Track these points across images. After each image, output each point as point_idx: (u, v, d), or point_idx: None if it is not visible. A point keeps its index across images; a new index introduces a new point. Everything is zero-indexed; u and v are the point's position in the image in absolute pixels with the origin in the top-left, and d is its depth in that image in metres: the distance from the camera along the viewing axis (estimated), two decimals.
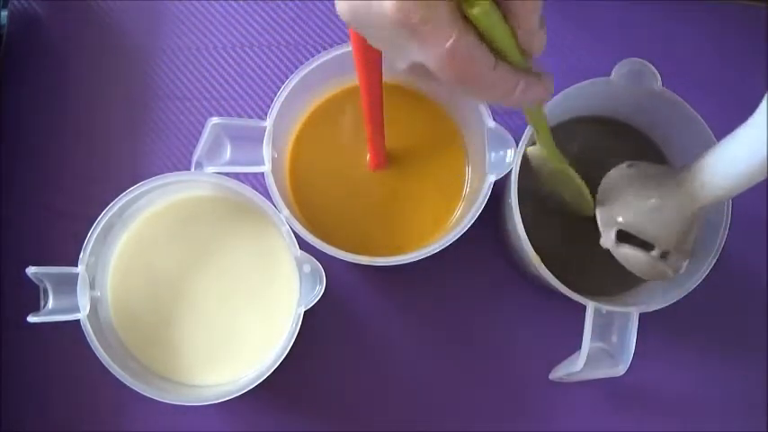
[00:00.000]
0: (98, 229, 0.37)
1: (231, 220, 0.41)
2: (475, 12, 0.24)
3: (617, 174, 0.37)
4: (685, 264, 0.36)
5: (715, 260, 0.38)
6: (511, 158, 0.38)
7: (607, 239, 0.36)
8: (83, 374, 0.43)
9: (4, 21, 0.46)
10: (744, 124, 0.30)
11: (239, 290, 0.41)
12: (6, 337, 0.44)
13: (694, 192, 0.33)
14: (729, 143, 0.31)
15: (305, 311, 0.37)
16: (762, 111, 0.29)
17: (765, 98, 0.28)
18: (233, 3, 0.48)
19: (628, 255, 0.36)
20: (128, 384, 0.36)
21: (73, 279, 0.37)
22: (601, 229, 0.36)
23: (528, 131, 0.38)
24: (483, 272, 0.45)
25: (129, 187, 0.38)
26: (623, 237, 0.36)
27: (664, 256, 0.35)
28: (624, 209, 0.36)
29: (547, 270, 0.37)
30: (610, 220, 0.36)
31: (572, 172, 0.37)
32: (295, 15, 0.48)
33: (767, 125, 0.28)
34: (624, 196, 0.36)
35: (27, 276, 0.36)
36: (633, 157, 0.38)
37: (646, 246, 0.35)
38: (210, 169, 0.38)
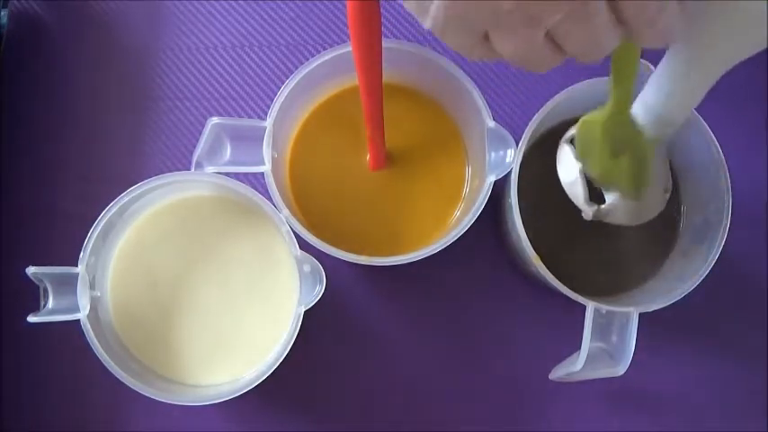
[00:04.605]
0: (98, 229, 0.37)
1: (231, 219, 0.41)
2: None
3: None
4: (644, 189, 0.36)
5: (715, 260, 0.38)
6: (511, 158, 0.38)
7: (587, 213, 0.36)
8: (83, 374, 0.43)
9: (4, 20, 0.46)
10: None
11: (239, 290, 0.41)
12: (6, 337, 0.44)
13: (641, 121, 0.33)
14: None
15: (305, 311, 0.37)
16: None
17: None
18: (233, 3, 0.48)
19: (612, 210, 0.36)
20: (128, 384, 0.36)
21: (73, 279, 0.37)
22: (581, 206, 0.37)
23: (528, 131, 0.38)
24: (483, 272, 0.45)
25: (129, 187, 0.38)
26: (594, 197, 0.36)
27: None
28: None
29: (547, 270, 0.37)
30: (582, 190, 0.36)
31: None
32: (295, 15, 0.48)
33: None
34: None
35: (27, 276, 0.36)
36: None
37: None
38: (210, 169, 0.38)
